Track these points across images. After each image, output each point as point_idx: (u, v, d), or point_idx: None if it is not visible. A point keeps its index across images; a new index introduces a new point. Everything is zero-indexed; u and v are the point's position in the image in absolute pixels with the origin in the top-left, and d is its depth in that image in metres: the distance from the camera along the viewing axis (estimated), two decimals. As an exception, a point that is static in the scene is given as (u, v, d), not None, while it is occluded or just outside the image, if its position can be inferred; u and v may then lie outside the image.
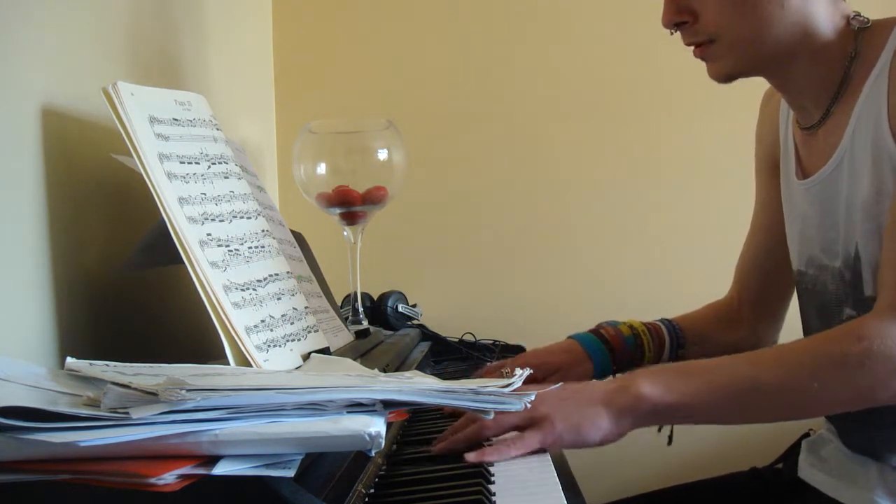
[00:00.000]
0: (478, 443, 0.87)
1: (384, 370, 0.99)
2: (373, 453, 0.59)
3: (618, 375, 0.95)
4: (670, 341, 1.26)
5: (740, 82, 1.13)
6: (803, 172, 1.14)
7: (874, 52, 1.02)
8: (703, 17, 1.03)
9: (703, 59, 1.07)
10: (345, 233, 1.39)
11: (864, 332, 0.90)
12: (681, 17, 1.04)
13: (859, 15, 1.06)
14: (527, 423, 0.88)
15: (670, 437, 1.07)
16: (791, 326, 1.06)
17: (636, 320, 1.26)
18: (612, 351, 1.22)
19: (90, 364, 0.71)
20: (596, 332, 1.25)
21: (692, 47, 1.07)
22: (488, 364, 1.30)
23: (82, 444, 0.52)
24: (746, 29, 1.02)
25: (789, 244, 1.20)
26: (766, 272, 1.31)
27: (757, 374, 0.93)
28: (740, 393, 0.93)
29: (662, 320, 1.29)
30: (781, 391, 0.92)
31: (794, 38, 1.03)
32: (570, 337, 1.26)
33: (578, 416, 0.88)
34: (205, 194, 0.88)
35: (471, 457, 0.82)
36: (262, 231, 0.94)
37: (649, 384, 0.91)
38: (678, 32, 1.06)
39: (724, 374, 0.94)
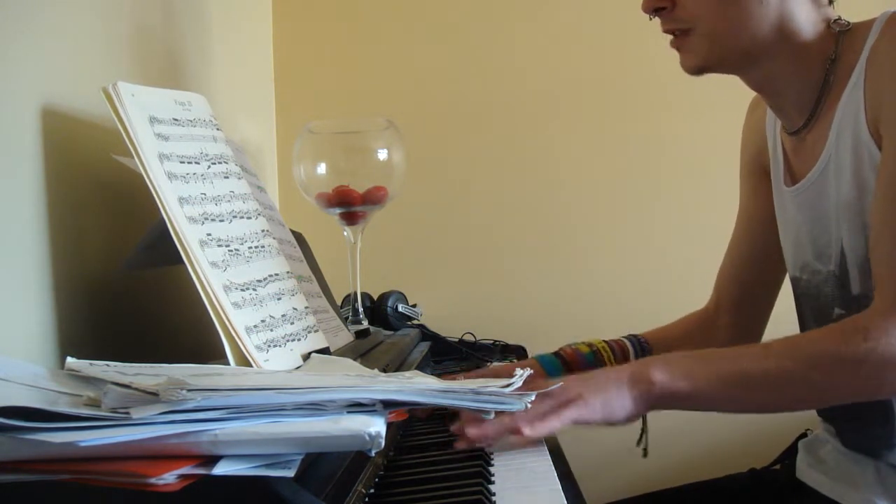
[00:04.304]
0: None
1: (384, 370, 0.99)
2: (373, 453, 0.59)
3: (633, 361, 0.99)
4: (634, 354, 1.26)
5: (741, 84, 1.13)
6: (793, 179, 1.15)
7: (854, 55, 1.02)
8: (681, 4, 1.04)
9: (677, 49, 1.07)
10: (345, 233, 1.39)
11: (868, 329, 0.91)
12: (659, 2, 1.05)
13: (841, 19, 1.06)
14: (561, 405, 0.90)
15: (645, 451, 1.09)
16: (785, 330, 1.07)
17: (598, 339, 1.27)
18: (568, 365, 1.22)
19: (90, 364, 0.70)
20: (556, 352, 1.26)
21: (671, 41, 1.07)
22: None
23: (82, 444, 0.52)
24: (723, 21, 1.02)
25: (784, 251, 1.21)
26: (748, 279, 1.32)
27: (765, 365, 0.95)
28: (748, 382, 0.95)
29: (627, 336, 1.29)
30: (788, 383, 0.95)
31: (772, 36, 1.03)
32: (532, 357, 1.27)
33: (607, 394, 0.92)
34: (205, 194, 0.88)
35: (515, 440, 0.86)
36: (262, 231, 0.94)
37: (660, 370, 0.94)
38: (657, 18, 1.07)
39: (733, 364, 0.96)
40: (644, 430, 1.09)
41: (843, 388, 0.96)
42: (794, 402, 1.00)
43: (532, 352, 1.57)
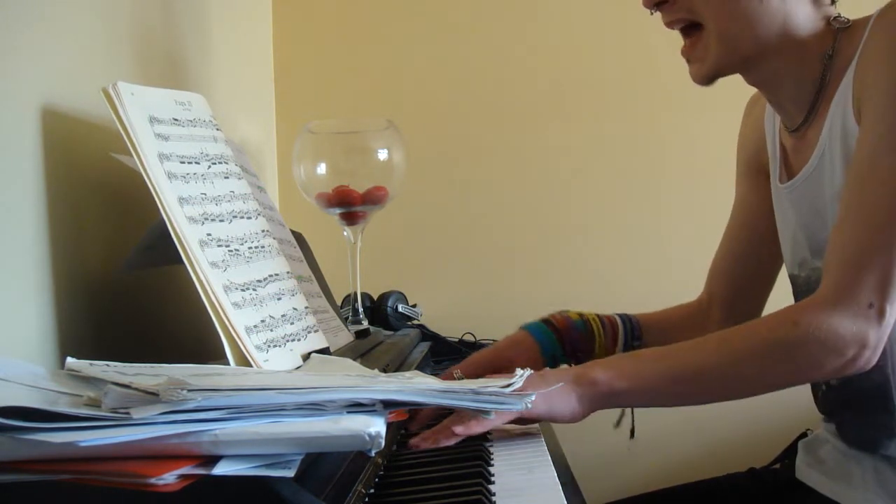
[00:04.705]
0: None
1: (384, 370, 0.99)
2: (373, 453, 0.59)
3: (579, 365, 1.02)
4: (624, 331, 1.27)
5: (741, 83, 1.13)
6: (789, 176, 1.15)
7: (852, 50, 1.02)
8: None
9: (689, 58, 1.08)
10: (345, 233, 1.39)
11: (799, 317, 0.95)
12: None
13: (841, 16, 1.06)
14: None
15: (632, 431, 1.12)
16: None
17: (590, 312, 1.27)
18: (559, 332, 1.23)
19: (90, 364, 0.70)
20: (545, 319, 1.26)
21: (681, 48, 1.08)
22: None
23: (82, 444, 0.52)
24: (725, 20, 1.03)
25: (783, 249, 1.21)
26: (740, 274, 1.32)
27: (701, 359, 0.99)
28: (686, 378, 0.99)
29: (619, 313, 1.30)
30: (724, 375, 0.99)
31: (771, 33, 1.03)
32: (521, 327, 1.27)
33: (549, 392, 0.93)
34: (205, 194, 0.88)
35: (459, 430, 0.87)
36: (262, 231, 0.94)
37: (602, 370, 0.97)
38: (657, 14, 1.07)
39: (671, 361, 1.00)
40: (623, 414, 1.12)
41: (777, 375, 0.99)
42: (734, 392, 1.03)
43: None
